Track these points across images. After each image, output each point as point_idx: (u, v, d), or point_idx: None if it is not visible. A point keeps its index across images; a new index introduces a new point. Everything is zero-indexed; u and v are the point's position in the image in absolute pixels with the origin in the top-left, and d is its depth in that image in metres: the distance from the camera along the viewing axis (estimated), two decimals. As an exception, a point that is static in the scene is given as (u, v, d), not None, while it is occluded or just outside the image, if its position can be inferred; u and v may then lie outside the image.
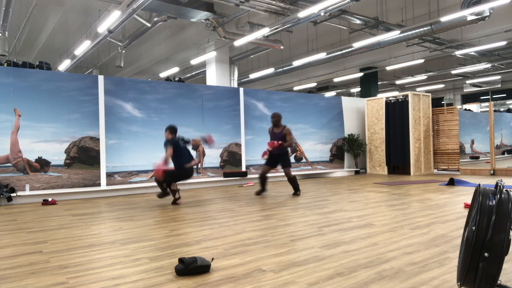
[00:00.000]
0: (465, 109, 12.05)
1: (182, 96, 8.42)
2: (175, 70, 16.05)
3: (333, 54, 12.56)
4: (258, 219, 4.41)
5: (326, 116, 10.84)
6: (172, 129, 5.73)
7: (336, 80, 18.01)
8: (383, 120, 10.72)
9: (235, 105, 9.20)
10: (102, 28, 9.19)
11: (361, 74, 17.47)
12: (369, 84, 17.54)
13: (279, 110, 9.91)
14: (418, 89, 22.36)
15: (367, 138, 11.21)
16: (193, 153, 8.50)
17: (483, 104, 18.97)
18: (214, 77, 13.02)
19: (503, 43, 12.22)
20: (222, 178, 8.58)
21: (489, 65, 15.76)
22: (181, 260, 2.53)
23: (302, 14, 8.44)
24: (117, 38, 12.56)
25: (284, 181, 9.27)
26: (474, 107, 14.73)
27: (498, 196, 1.81)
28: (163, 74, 17.12)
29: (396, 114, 10.47)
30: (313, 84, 22.09)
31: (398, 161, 10.43)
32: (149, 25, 10.39)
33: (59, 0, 10.52)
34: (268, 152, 6.42)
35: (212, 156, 8.75)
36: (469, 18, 9.10)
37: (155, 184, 7.62)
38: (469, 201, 5.34)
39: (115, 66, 15.84)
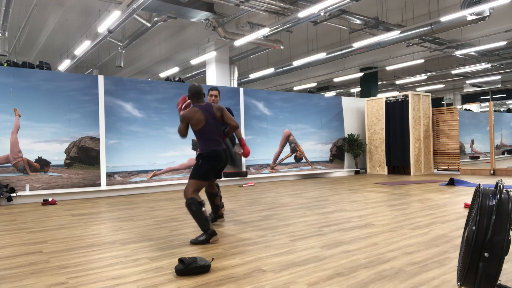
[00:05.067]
0: (465, 109, 12.05)
1: (182, 96, 8.41)
2: (175, 70, 16.04)
3: (333, 54, 12.55)
4: (258, 219, 4.41)
5: (326, 116, 10.84)
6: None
7: (336, 80, 18.00)
8: (383, 120, 10.72)
9: (235, 105, 9.19)
10: (102, 28, 9.19)
11: (361, 74, 17.47)
12: (369, 84, 17.54)
13: (279, 110, 9.91)
14: (418, 89, 22.35)
15: (367, 138, 11.21)
16: (193, 153, 8.50)
17: (483, 104, 18.97)
18: (214, 77, 13.02)
19: (503, 43, 12.21)
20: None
21: (489, 65, 15.76)
22: (181, 260, 2.53)
23: (302, 14, 8.43)
24: (117, 38, 12.55)
25: (285, 181, 9.27)
26: (474, 107, 14.74)
27: (498, 196, 1.81)
28: (163, 74, 17.11)
29: (396, 114, 10.47)
30: (313, 84, 22.08)
31: (398, 161, 10.43)
32: (149, 25, 10.39)
33: (59, 0, 10.52)
34: None
35: (212, 156, 8.74)
36: (469, 18, 9.10)
37: (155, 184, 7.62)
38: (469, 201, 5.34)
39: (115, 66, 15.85)
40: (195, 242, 3.32)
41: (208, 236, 3.33)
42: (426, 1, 10.66)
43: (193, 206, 3.37)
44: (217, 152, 3.57)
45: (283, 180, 9.52)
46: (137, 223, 4.32)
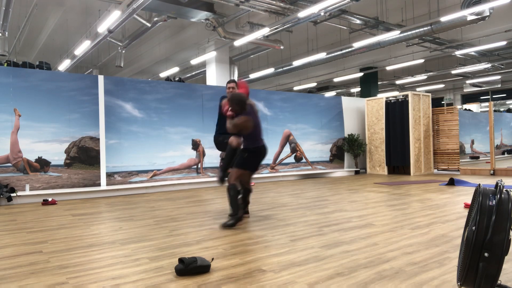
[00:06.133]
0: (465, 109, 12.05)
1: (182, 96, 8.41)
2: (175, 70, 16.05)
3: (333, 54, 12.55)
4: (258, 219, 4.41)
5: (326, 116, 10.84)
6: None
7: (336, 80, 18.00)
8: (383, 120, 10.72)
9: (235, 105, 9.19)
10: (102, 28, 9.19)
11: (361, 74, 17.47)
12: (369, 84, 17.54)
13: (279, 110, 9.92)
14: (418, 89, 22.35)
15: (367, 138, 11.21)
16: (193, 153, 8.50)
17: (483, 104, 18.96)
18: (214, 77, 13.02)
19: (503, 43, 12.22)
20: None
21: (489, 65, 15.76)
22: (181, 260, 2.53)
23: (302, 14, 8.43)
24: (117, 38, 12.55)
25: (285, 181, 9.27)
26: (474, 107, 14.74)
27: (498, 196, 1.81)
28: (163, 74, 17.11)
29: (396, 114, 10.47)
30: (313, 84, 22.07)
31: (398, 161, 10.43)
32: (149, 25, 10.39)
33: (59, 0, 10.52)
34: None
35: (212, 156, 8.75)
36: (469, 18, 9.10)
37: (155, 184, 7.62)
38: (469, 201, 5.34)
39: (115, 66, 15.84)
40: (224, 226, 3.82)
41: (235, 221, 3.84)
42: (426, 1, 10.66)
43: (232, 191, 3.93)
44: (262, 148, 4.16)
45: (283, 180, 9.52)
46: (137, 223, 4.32)
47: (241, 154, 4.17)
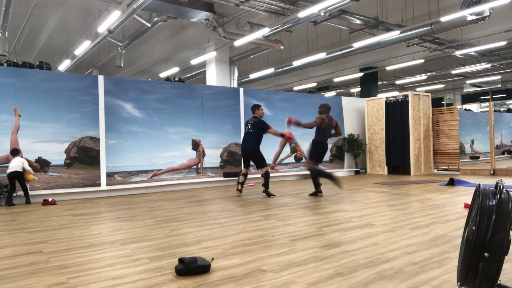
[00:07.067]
0: (465, 109, 12.05)
1: (182, 96, 8.42)
2: (175, 70, 16.05)
3: (333, 54, 12.56)
4: (258, 219, 4.41)
5: (326, 116, 10.82)
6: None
7: (336, 80, 18.01)
8: (383, 120, 10.72)
9: (235, 105, 9.20)
10: (102, 28, 9.19)
11: (361, 74, 17.47)
12: (369, 84, 17.54)
13: (279, 110, 9.92)
14: (418, 89, 22.36)
15: (367, 138, 11.21)
16: (193, 153, 8.51)
17: (483, 104, 18.97)
18: (214, 77, 13.02)
19: (503, 43, 12.22)
20: (222, 178, 8.58)
21: (489, 65, 15.76)
22: (181, 260, 2.53)
23: (302, 14, 8.43)
24: (117, 38, 12.56)
25: (285, 181, 9.27)
26: (474, 107, 14.73)
27: (498, 196, 1.81)
28: (163, 74, 17.12)
29: (396, 114, 10.47)
30: (313, 84, 22.08)
31: (398, 161, 10.43)
32: (149, 25, 10.39)
33: (59, 0, 10.52)
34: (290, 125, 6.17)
35: (212, 156, 8.75)
36: (469, 18, 9.10)
37: (155, 184, 7.63)
38: (469, 201, 5.34)
39: (115, 66, 15.84)
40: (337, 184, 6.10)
41: (335, 181, 6.01)
42: (426, 1, 10.66)
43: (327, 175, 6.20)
44: (326, 144, 6.30)
45: (283, 180, 9.52)
46: (137, 223, 4.32)
47: (310, 148, 6.36)
